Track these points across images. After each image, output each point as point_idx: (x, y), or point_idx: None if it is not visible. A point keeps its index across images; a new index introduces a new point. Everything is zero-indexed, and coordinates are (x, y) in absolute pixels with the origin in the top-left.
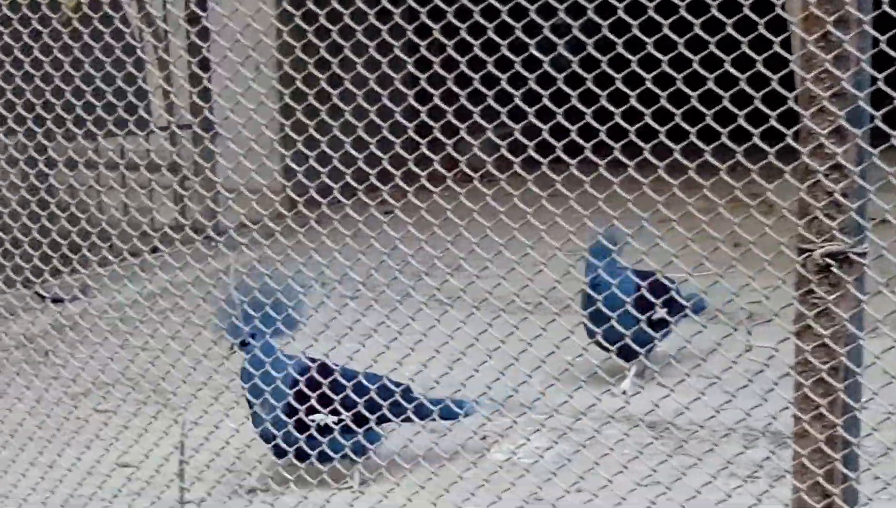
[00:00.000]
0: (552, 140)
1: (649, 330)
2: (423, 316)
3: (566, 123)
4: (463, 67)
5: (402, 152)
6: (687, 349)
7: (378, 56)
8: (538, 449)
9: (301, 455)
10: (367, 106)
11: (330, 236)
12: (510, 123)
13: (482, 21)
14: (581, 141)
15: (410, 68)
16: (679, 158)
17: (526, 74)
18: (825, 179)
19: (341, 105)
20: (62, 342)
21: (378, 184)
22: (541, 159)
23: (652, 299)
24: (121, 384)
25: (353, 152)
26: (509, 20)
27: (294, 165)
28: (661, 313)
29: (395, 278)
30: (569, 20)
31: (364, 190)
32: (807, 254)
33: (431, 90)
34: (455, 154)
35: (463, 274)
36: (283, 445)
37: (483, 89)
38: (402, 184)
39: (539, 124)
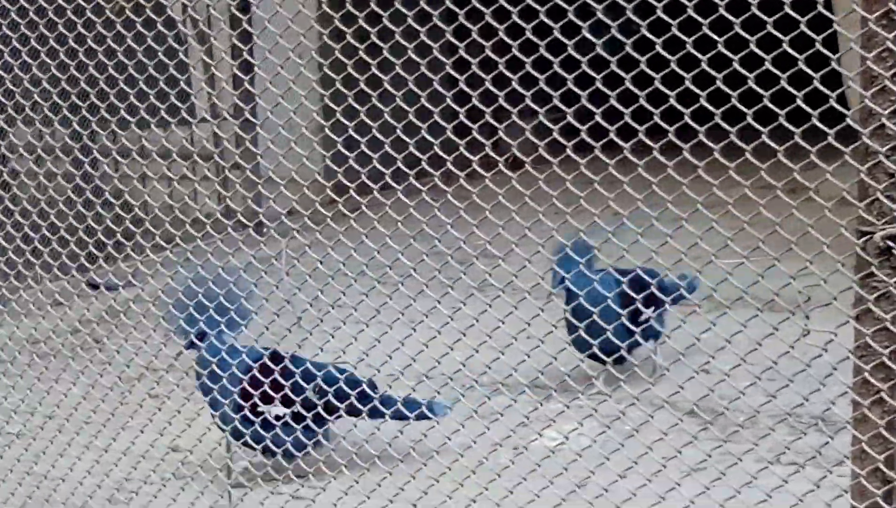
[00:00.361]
0: (606, 124)
1: (635, 329)
2: (474, 301)
3: (620, 108)
4: (490, 53)
5: (439, 152)
6: (741, 335)
7: (416, 57)
8: (588, 436)
9: (258, 445)
10: (405, 106)
11: (366, 226)
12: (563, 107)
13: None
14: (634, 124)
15: (449, 70)
16: (734, 141)
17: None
18: (886, 159)
19: (379, 105)
20: (115, 327)
21: (422, 173)
22: (593, 144)
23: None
24: (173, 369)
25: (391, 152)
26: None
27: (332, 165)
28: (648, 312)
29: (445, 262)
30: (608, 20)
31: (402, 183)
32: (867, 237)
33: (469, 90)
34: (489, 149)
35: (490, 258)
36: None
37: (519, 88)
38: (452, 169)
39: (591, 108)
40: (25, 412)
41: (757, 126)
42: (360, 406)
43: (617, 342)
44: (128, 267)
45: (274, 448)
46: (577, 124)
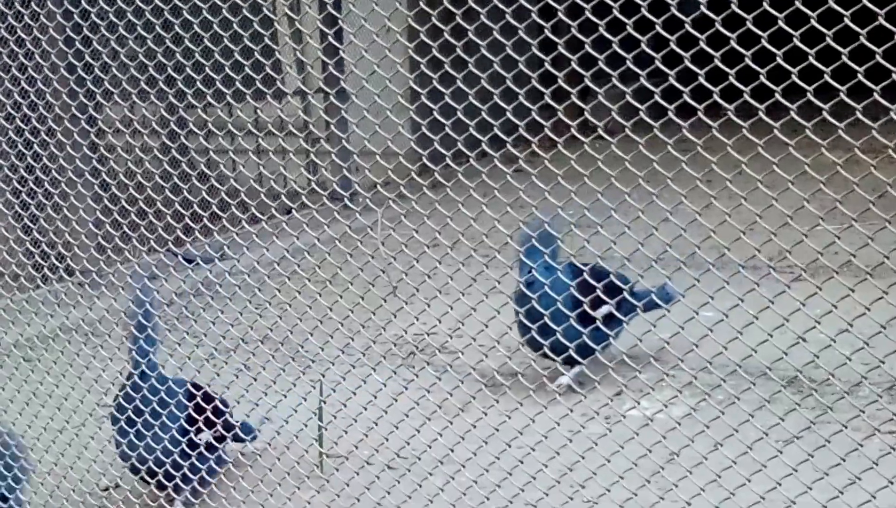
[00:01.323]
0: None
1: (582, 330)
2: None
3: (695, 69)
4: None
5: (537, 118)
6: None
7: (503, 39)
8: (686, 405)
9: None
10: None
11: (444, 202)
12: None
13: None
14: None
15: (534, 51)
16: (811, 100)
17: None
18: None
19: (464, 87)
20: (211, 299)
21: (490, 151)
22: (668, 108)
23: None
24: (268, 341)
25: (488, 118)
26: None
27: (420, 141)
28: (605, 309)
29: (506, 243)
30: None
31: (493, 151)
32: None
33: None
34: (574, 130)
35: (589, 232)
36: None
37: (606, 67)
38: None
39: (673, 77)
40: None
41: (835, 85)
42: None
43: (564, 341)
44: (223, 240)
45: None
46: (664, 103)
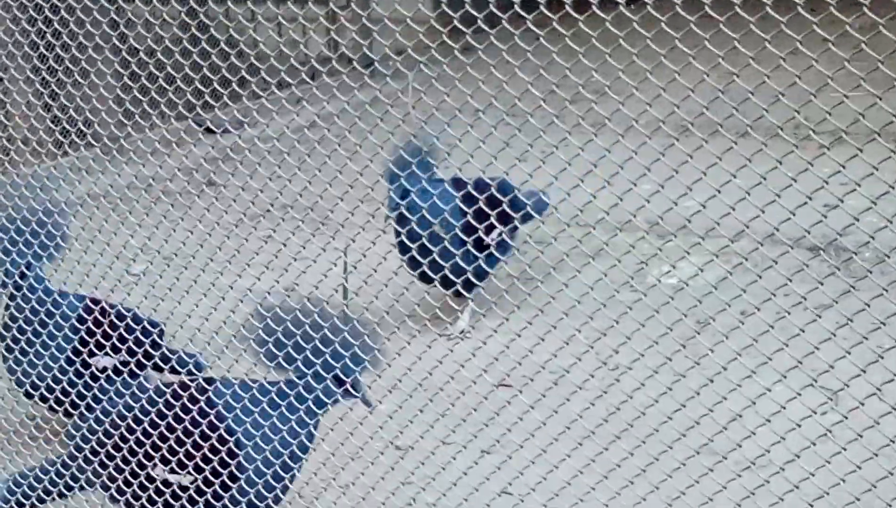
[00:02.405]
0: None
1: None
2: (567, 144)
3: None
4: None
5: None
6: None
7: None
8: (711, 273)
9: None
10: None
11: (475, 65)
12: None
13: None
14: None
15: None
16: None
17: None
18: None
19: None
20: (235, 171)
21: (522, 13)
22: None
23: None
24: (298, 207)
25: None
26: None
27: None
28: (497, 233)
29: (539, 106)
30: None
31: (509, 18)
32: None
33: None
34: None
35: (608, 101)
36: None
37: None
38: (546, 12)
39: None
40: (149, 255)
41: None
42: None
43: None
44: (252, 106)
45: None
46: None
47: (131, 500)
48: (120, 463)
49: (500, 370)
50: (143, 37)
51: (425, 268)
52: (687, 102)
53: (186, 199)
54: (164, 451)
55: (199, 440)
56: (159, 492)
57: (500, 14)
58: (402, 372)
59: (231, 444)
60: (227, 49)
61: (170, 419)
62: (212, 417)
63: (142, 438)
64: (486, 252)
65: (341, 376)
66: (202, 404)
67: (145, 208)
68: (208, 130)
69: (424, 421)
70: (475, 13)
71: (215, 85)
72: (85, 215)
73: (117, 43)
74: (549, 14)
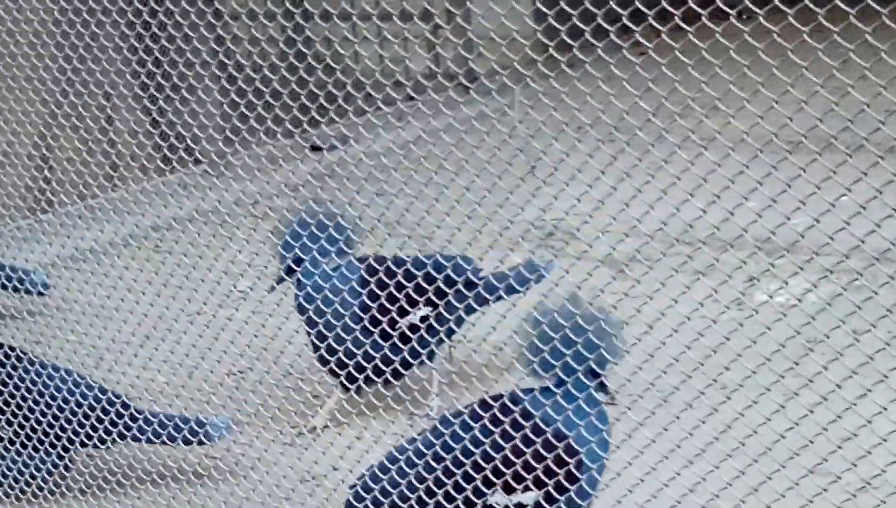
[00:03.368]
0: None
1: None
2: (677, 159)
3: None
4: None
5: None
6: None
7: None
8: (822, 297)
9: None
10: None
11: (581, 80)
12: None
13: None
14: None
15: None
16: None
17: None
18: None
19: None
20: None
21: (630, 25)
22: (786, 10)
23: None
24: (377, 230)
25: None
26: None
27: (545, 9)
28: (417, 316)
29: (647, 120)
30: None
31: (616, 31)
32: None
33: None
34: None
35: (718, 115)
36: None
37: None
38: (654, 24)
39: None
40: (256, 271)
41: None
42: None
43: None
44: (347, 127)
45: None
46: None
47: None
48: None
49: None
50: (248, 53)
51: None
52: (799, 116)
53: (270, 222)
54: (502, 472)
55: (542, 453)
56: None
57: (608, 27)
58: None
59: (577, 454)
60: (332, 65)
61: (497, 437)
62: (540, 427)
63: (481, 463)
64: (415, 338)
65: (599, 372)
66: (535, 417)
67: (251, 224)
68: (314, 148)
69: None
70: (583, 26)
71: (321, 101)
72: (192, 232)
73: (224, 59)
74: (659, 26)
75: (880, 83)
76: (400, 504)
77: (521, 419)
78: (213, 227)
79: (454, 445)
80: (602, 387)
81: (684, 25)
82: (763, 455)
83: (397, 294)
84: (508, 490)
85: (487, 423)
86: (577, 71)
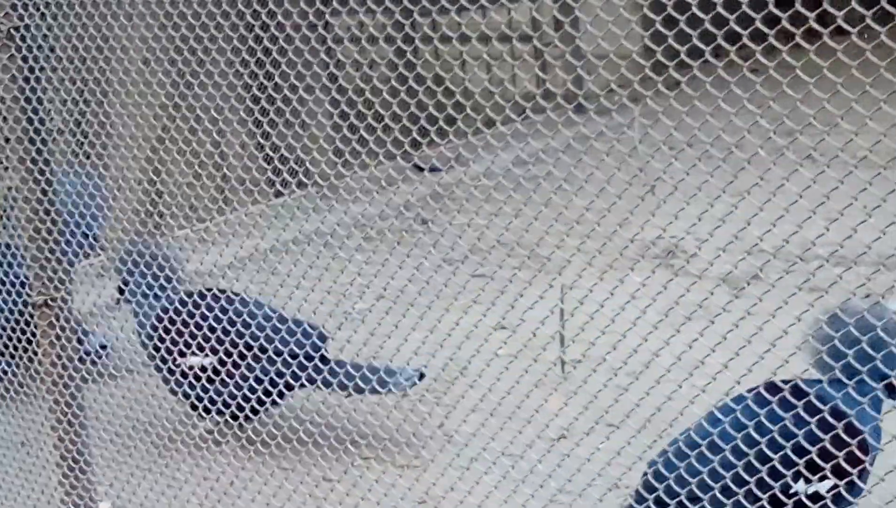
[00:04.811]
0: None
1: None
2: (798, 176)
3: None
4: None
5: (774, 10)
6: None
7: None
8: None
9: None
10: None
11: (701, 99)
12: None
13: None
14: None
15: None
16: None
17: None
18: None
19: None
20: (440, 210)
21: (749, 43)
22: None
23: None
24: (496, 250)
25: (723, 12)
26: None
27: (664, 30)
28: (193, 359)
29: (769, 138)
30: None
31: (735, 50)
32: None
33: None
34: (813, 21)
35: (840, 132)
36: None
37: None
38: (774, 42)
39: None
40: (355, 295)
41: None
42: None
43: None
44: (450, 151)
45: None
46: None
47: None
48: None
49: (707, 402)
50: (352, 77)
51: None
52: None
53: (407, 237)
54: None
55: (840, 441)
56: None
57: (727, 46)
58: (630, 408)
59: (867, 445)
60: (433, 87)
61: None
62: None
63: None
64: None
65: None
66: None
67: (371, 246)
68: (417, 168)
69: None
70: (702, 46)
71: (423, 123)
72: (296, 253)
73: (327, 83)
74: (779, 45)
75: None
76: (700, 488)
77: (818, 405)
78: (331, 249)
79: (753, 429)
80: (890, 389)
81: (804, 43)
82: (890, 473)
83: (177, 337)
84: (807, 478)
85: (776, 408)
86: (696, 89)
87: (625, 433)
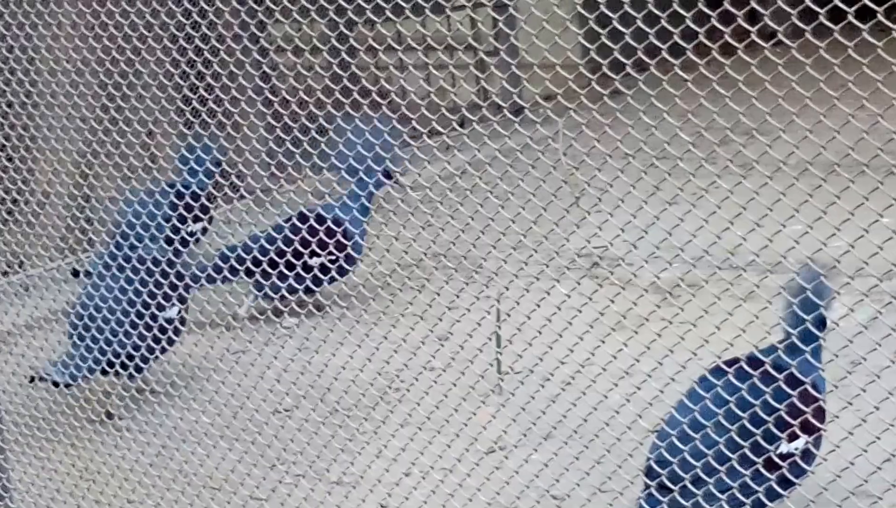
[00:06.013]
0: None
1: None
2: (718, 187)
3: None
4: None
5: (692, 25)
6: None
7: None
8: (858, 319)
9: None
10: None
11: (623, 110)
12: None
13: None
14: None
15: None
16: None
17: None
18: None
19: None
20: (385, 224)
21: (669, 58)
22: (832, 26)
23: None
24: (424, 262)
25: (644, 28)
26: None
27: (586, 43)
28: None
29: (688, 150)
30: None
31: (655, 64)
32: None
33: None
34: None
35: (756, 143)
36: None
37: None
38: (693, 57)
39: None
40: (282, 310)
41: None
42: None
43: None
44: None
45: None
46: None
47: None
48: None
49: (654, 415)
50: (283, 84)
51: None
52: (833, 143)
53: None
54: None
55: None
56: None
57: (647, 60)
58: (557, 419)
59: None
60: (378, 99)
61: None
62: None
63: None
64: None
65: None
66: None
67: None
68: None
69: (580, 469)
70: (623, 59)
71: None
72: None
73: (269, 96)
74: (697, 59)
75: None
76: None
77: (774, 373)
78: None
79: (735, 405)
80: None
81: (720, 57)
82: (832, 482)
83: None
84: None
85: (757, 381)
86: (619, 102)
87: (554, 443)
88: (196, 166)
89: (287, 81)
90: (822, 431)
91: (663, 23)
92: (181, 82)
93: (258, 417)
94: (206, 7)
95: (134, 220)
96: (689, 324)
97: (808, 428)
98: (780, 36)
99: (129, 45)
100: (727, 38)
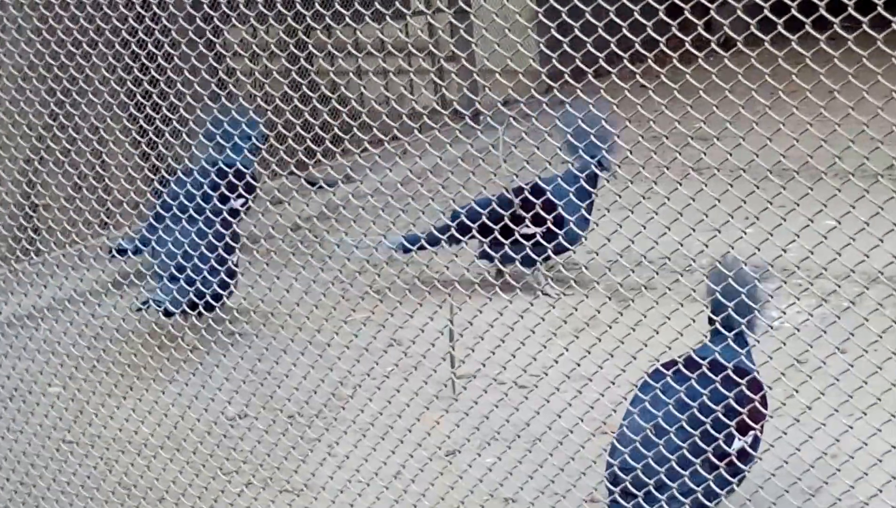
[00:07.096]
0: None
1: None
2: (678, 193)
3: None
4: None
5: (653, 34)
6: None
7: None
8: (805, 311)
9: None
10: None
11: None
12: None
13: None
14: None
15: None
16: None
17: None
18: None
19: None
20: (336, 222)
21: (629, 65)
22: (789, 36)
23: None
24: (393, 262)
25: (605, 36)
26: None
27: (526, 52)
28: None
29: (650, 158)
30: None
31: (616, 72)
32: None
33: None
34: (701, 29)
35: (716, 150)
36: None
37: None
38: (653, 65)
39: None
40: (247, 311)
41: None
42: None
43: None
44: (346, 162)
45: None
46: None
47: None
48: None
49: (596, 418)
50: (240, 91)
51: None
52: (792, 151)
53: (282, 257)
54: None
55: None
56: None
57: (608, 67)
58: (500, 424)
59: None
60: (337, 106)
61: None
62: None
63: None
64: None
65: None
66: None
67: (241, 266)
68: (310, 182)
69: (524, 472)
70: (584, 67)
71: (326, 141)
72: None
73: (217, 91)
74: (657, 68)
75: (863, 120)
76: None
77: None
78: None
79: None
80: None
81: (680, 66)
82: (767, 480)
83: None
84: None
85: (706, 375)
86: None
87: (500, 446)
88: (241, 142)
89: (244, 87)
90: (768, 419)
91: (624, 31)
92: (134, 88)
93: (200, 426)
94: (158, 12)
95: (169, 200)
96: (630, 328)
97: (757, 419)
98: (739, 45)
99: (79, 51)
100: (688, 47)
